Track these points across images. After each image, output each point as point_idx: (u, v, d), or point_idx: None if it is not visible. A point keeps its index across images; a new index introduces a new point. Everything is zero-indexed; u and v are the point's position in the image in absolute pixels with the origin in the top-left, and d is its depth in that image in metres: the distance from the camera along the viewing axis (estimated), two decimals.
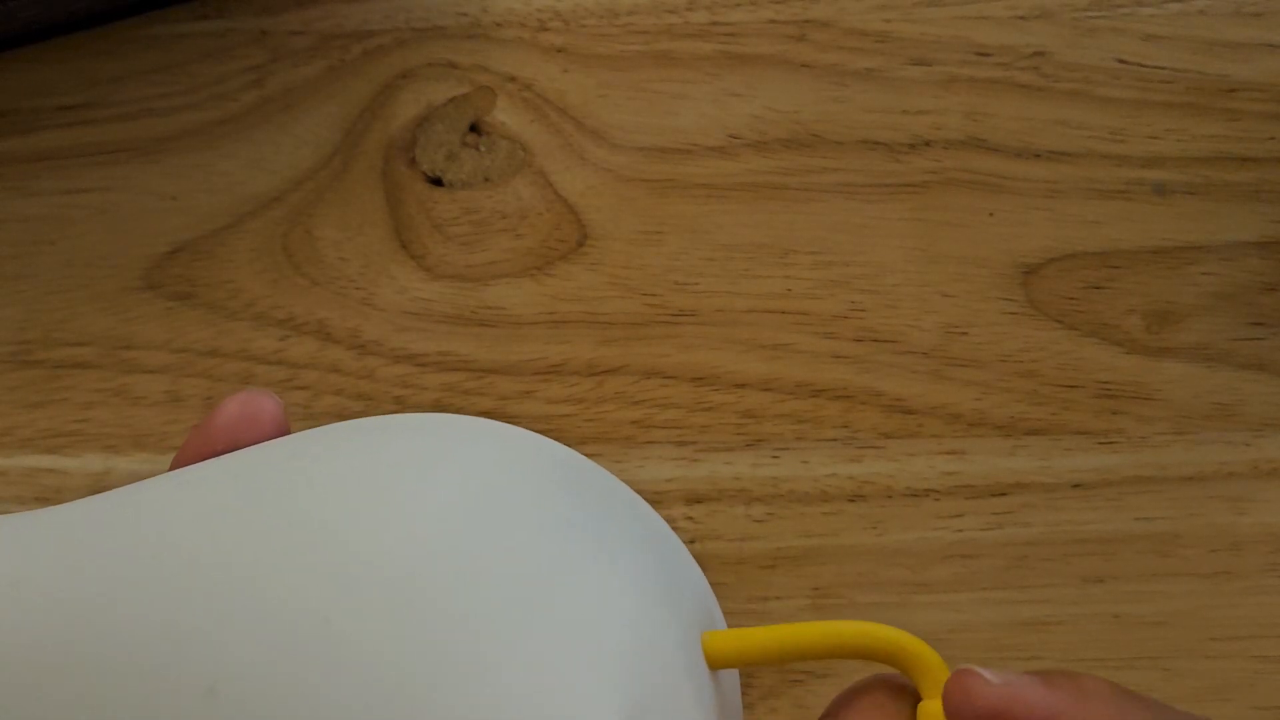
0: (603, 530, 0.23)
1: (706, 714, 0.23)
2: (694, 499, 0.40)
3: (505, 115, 0.43)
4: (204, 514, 0.23)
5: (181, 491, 0.23)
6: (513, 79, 0.43)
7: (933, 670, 0.23)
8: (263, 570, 0.21)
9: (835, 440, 0.40)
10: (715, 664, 0.24)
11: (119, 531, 0.23)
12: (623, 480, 0.40)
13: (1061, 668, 0.25)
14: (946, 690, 0.23)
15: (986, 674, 0.23)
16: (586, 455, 0.40)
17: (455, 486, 0.22)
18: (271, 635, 0.21)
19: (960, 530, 0.40)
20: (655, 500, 0.40)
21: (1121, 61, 0.43)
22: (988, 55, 0.43)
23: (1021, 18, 0.44)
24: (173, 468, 0.26)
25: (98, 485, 0.40)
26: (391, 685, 0.20)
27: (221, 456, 0.25)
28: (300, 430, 0.25)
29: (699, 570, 0.26)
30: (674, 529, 0.40)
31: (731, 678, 0.25)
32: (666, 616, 0.23)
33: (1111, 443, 0.40)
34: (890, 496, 0.40)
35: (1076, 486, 0.40)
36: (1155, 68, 0.43)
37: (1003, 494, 0.40)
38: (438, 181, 0.43)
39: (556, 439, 0.41)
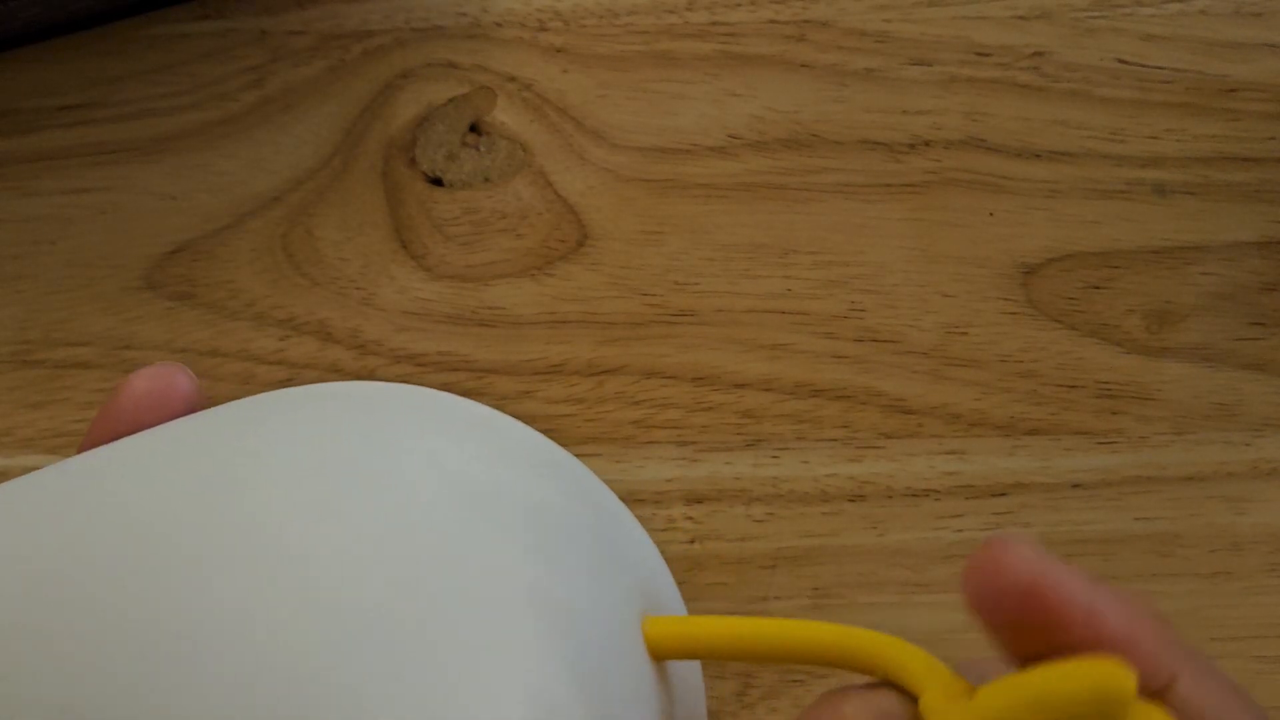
0: (526, 505, 0.21)
1: (640, 705, 0.21)
2: (694, 499, 0.40)
3: (505, 115, 0.43)
4: (72, 510, 0.21)
5: (58, 484, 0.22)
6: (513, 79, 0.43)
7: (927, 670, 0.20)
8: (112, 576, 0.20)
9: (835, 440, 0.40)
10: (658, 653, 0.22)
11: None
12: (622, 481, 0.40)
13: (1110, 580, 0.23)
14: (975, 555, 0.20)
15: (1028, 546, 0.20)
16: (586, 455, 0.40)
17: (361, 460, 0.21)
18: (129, 646, 0.19)
19: (960, 530, 0.40)
20: (655, 500, 0.40)
21: (1121, 61, 0.43)
22: (987, 55, 0.43)
23: (1021, 18, 0.44)
24: (80, 451, 0.23)
25: None
26: (286, 665, 0.19)
27: (111, 444, 0.23)
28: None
29: (652, 550, 0.24)
30: (674, 529, 0.40)
31: (689, 670, 0.23)
32: (592, 597, 0.21)
33: (1111, 443, 0.40)
34: (890, 496, 0.40)
35: (1076, 487, 0.40)
36: (1155, 68, 0.43)
37: (1003, 494, 0.40)
38: (438, 181, 0.43)
39: (556, 439, 0.41)
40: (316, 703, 0.18)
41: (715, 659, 0.22)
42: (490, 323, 0.41)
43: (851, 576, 0.39)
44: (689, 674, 0.23)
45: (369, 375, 0.41)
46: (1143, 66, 0.43)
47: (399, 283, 0.42)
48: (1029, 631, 0.20)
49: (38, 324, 0.41)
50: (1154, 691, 0.21)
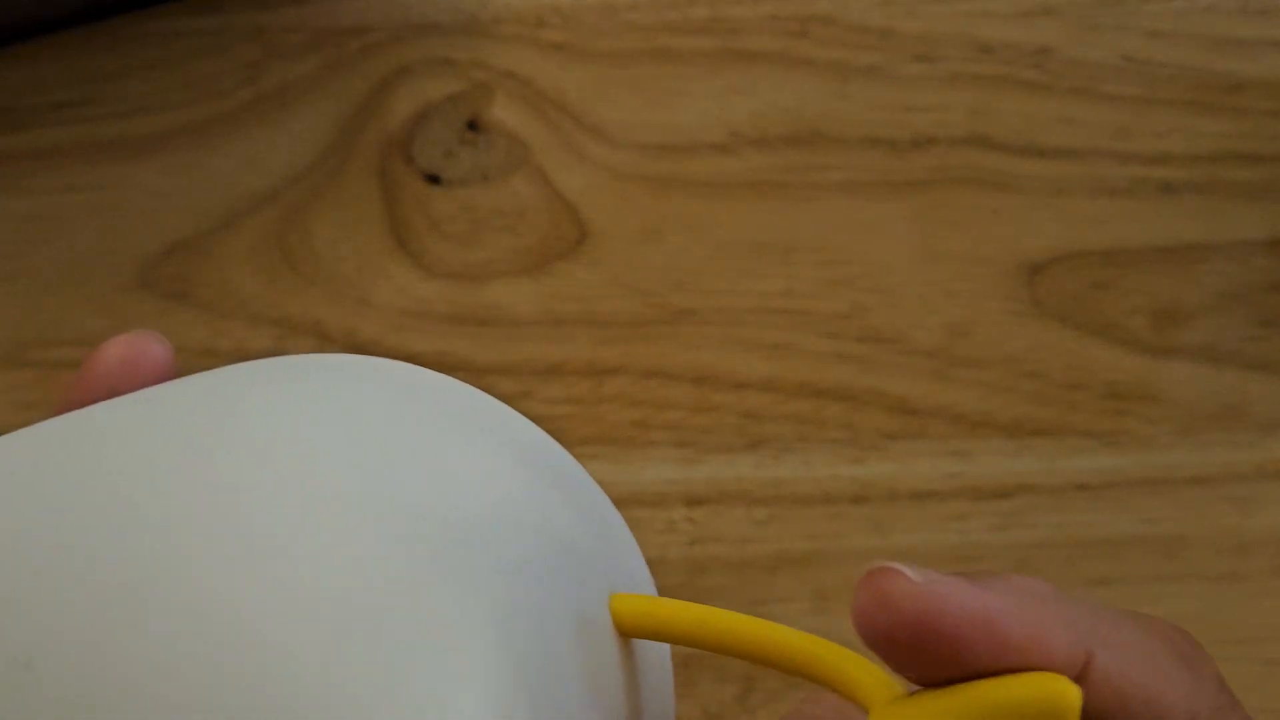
0: (479, 470, 0.21)
1: (604, 677, 0.21)
2: (695, 501, 0.40)
3: (503, 112, 0.43)
4: (30, 475, 0.21)
5: (11, 449, 0.21)
6: (511, 75, 0.43)
7: (878, 686, 0.20)
8: (80, 536, 0.20)
9: (838, 441, 0.40)
10: (626, 630, 0.22)
11: None
12: (622, 482, 0.40)
13: (989, 568, 0.23)
14: (857, 593, 0.19)
15: (907, 571, 0.19)
16: (586, 456, 0.40)
17: (301, 448, 0.20)
18: (91, 605, 0.19)
19: (964, 532, 0.39)
20: (656, 502, 0.39)
21: (1127, 58, 0.43)
22: (991, 52, 0.43)
23: (1026, 14, 0.43)
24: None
25: None
26: (211, 665, 0.18)
27: (78, 411, 0.22)
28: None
29: (621, 527, 0.24)
30: (675, 531, 0.39)
31: (655, 649, 0.23)
32: (555, 572, 0.21)
33: (1117, 444, 0.40)
34: (894, 498, 0.40)
35: (1082, 488, 0.40)
36: (1161, 65, 0.43)
37: (1007, 495, 0.40)
38: (435, 179, 0.42)
39: (556, 439, 0.41)
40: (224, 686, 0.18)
41: (679, 642, 0.22)
42: (488, 322, 0.41)
43: (854, 579, 0.39)
44: (655, 654, 0.23)
45: None
46: (1148, 64, 0.43)
47: (396, 281, 0.41)
48: (934, 662, 0.19)
49: (31, 323, 0.41)
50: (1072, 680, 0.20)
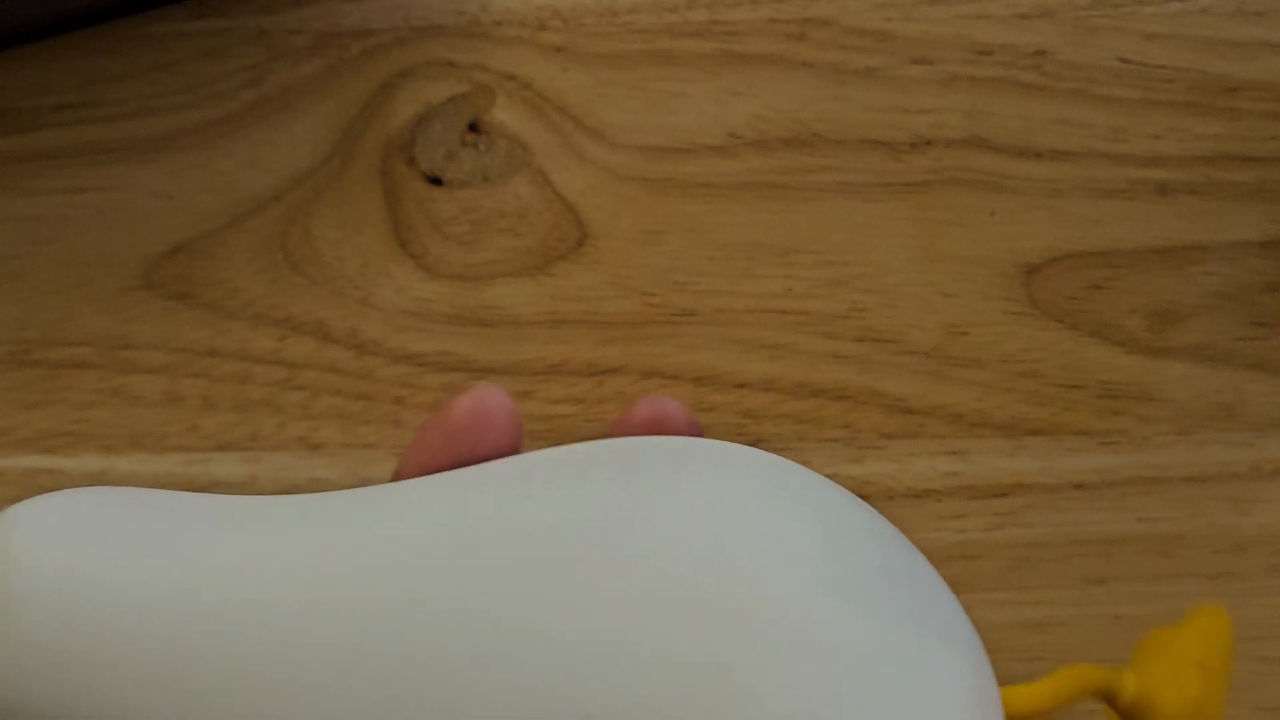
0: (914, 582, 0.23)
1: None
2: None
3: (504, 114, 0.43)
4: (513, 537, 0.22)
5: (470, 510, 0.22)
6: (512, 78, 0.43)
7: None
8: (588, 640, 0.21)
9: (836, 441, 0.40)
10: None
11: (422, 533, 0.22)
12: None
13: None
14: None
15: None
16: None
17: (774, 548, 0.21)
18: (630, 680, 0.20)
19: (962, 531, 0.39)
20: None
21: (1123, 60, 0.43)
22: (989, 54, 0.43)
23: (1023, 16, 0.44)
24: (401, 470, 0.24)
25: (94, 486, 0.40)
26: None
27: (488, 469, 0.23)
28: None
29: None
30: None
31: None
32: (982, 673, 0.22)
33: (1113, 443, 0.40)
34: (891, 497, 0.40)
35: (1078, 487, 0.40)
36: (1157, 67, 0.43)
37: (1004, 495, 0.40)
38: (437, 181, 0.42)
39: (556, 439, 0.41)
40: None
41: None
42: (489, 322, 0.41)
43: None
44: None
45: (367, 375, 0.41)
46: (1144, 65, 0.43)
47: (397, 282, 0.42)
48: None
49: (35, 324, 0.41)
50: None
